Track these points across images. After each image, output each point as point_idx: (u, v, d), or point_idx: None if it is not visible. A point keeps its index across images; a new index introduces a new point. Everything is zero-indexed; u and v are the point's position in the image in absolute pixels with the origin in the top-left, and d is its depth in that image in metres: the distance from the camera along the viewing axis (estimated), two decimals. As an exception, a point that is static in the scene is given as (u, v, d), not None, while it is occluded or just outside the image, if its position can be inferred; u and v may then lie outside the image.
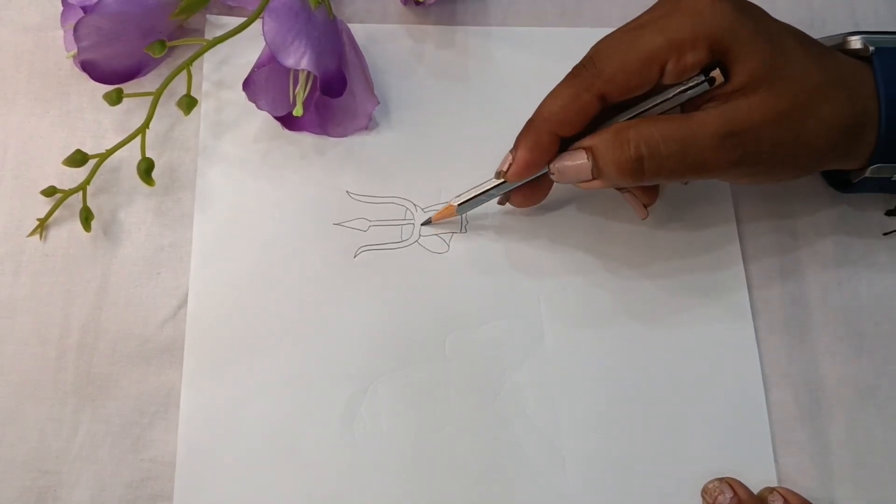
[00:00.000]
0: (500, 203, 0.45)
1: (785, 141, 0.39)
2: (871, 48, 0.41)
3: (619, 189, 0.44)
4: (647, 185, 0.41)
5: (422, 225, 0.46)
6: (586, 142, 0.40)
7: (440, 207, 0.46)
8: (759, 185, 0.47)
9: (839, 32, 0.44)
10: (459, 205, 0.44)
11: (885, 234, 0.47)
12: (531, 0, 0.51)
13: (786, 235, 0.47)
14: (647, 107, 0.40)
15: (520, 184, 0.43)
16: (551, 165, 0.41)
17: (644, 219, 0.44)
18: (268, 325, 0.43)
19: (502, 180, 0.42)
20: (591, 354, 0.44)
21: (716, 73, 0.39)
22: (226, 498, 0.41)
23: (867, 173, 0.42)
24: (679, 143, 0.38)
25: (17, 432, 0.41)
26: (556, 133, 0.40)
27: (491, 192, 0.43)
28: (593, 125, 0.41)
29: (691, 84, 0.39)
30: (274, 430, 0.42)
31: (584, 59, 0.41)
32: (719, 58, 0.39)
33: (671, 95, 0.40)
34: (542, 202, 0.45)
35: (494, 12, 0.51)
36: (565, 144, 0.41)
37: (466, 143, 0.48)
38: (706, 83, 0.39)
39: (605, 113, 0.41)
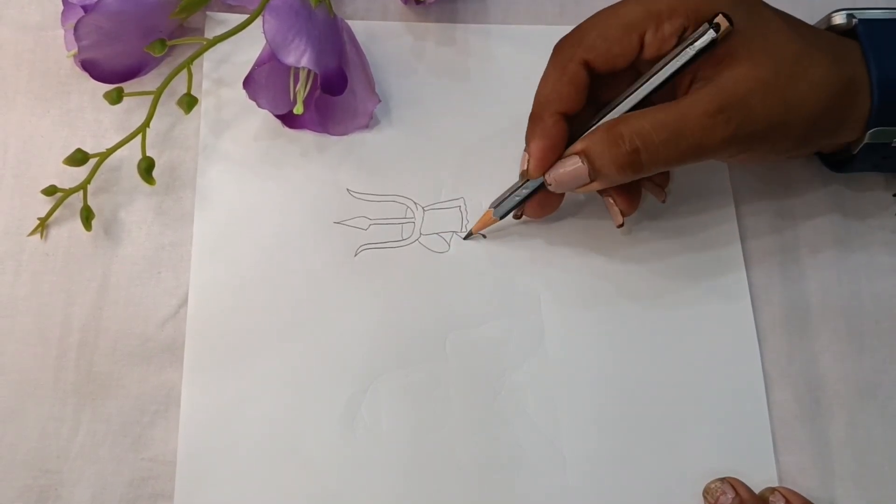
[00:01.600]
0: (515, 217, 0.45)
1: (775, 108, 0.39)
2: (855, 20, 0.42)
3: (600, 192, 0.43)
4: (645, 176, 0.41)
5: (463, 239, 0.45)
6: (578, 146, 0.40)
7: (440, 205, 0.46)
8: (761, 168, 0.47)
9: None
10: (496, 208, 0.44)
11: None
12: (531, -2, 0.51)
13: (787, 235, 0.47)
14: (657, 80, 0.40)
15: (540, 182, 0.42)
16: (547, 176, 0.41)
17: (619, 227, 0.43)
18: (268, 323, 0.43)
19: (526, 179, 0.42)
20: (591, 354, 0.44)
21: (720, 18, 0.38)
22: (226, 497, 0.41)
23: (867, 139, 0.42)
24: (670, 129, 0.38)
25: (18, 431, 0.41)
26: (558, 112, 0.40)
27: (520, 191, 0.43)
28: (591, 112, 0.41)
29: (697, 36, 0.39)
30: (274, 429, 0.42)
31: (567, 33, 0.41)
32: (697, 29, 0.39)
33: (679, 53, 0.39)
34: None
35: (494, 10, 0.51)
36: (573, 126, 0.41)
37: (467, 142, 0.48)
38: (712, 31, 0.38)
39: (601, 106, 0.41)
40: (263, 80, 0.44)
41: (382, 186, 0.46)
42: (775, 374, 0.44)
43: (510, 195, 0.43)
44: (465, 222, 0.46)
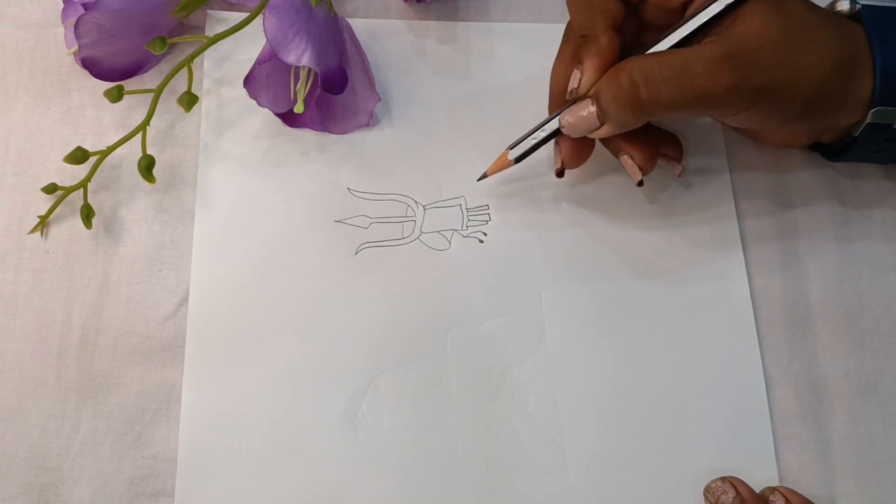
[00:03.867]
0: (558, 176, 0.44)
1: (783, 65, 0.39)
2: (858, 5, 0.43)
3: (615, 153, 0.44)
4: (653, 119, 0.41)
5: (477, 181, 0.45)
6: (591, 90, 0.41)
7: (441, 204, 0.46)
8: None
9: None
10: (515, 153, 0.44)
11: None
12: (532, -4, 0.51)
13: (788, 233, 0.47)
14: (688, 29, 0.40)
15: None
16: (560, 119, 0.41)
17: (639, 184, 0.43)
18: (269, 322, 0.43)
19: (556, 127, 0.42)
20: (592, 351, 0.44)
21: None
22: (227, 494, 0.41)
23: (869, 118, 0.42)
24: (674, 68, 0.39)
25: (19, 429, 0.41)
26: (611, 28, 0.41)
27: (537, 133, 0.43)
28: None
29: None
30: (275, 426, 0.42)
31: None
32: None
33: (713, 3, 0.40)
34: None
35: (496, 8, 0.51)
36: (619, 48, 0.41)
37: (468, 140, 0.48)
38: None
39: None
40: (264, 79, 0.44)
41: (383, 185, 0.46)
42: (776, 372, 0.44)
43: (527, 138, 0.43)
44: (465, 220, 0.46)
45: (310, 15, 0.43)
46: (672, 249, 0.46)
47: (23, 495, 0.40)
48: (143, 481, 0.41)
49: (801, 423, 0.44)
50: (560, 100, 0.43)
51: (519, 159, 0.44)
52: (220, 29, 0.44)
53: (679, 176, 0.45)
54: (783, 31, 0.39)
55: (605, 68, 0.41)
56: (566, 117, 0.41)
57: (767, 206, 0.47)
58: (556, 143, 0.44)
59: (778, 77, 0.39)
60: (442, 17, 0.50)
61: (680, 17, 0.41)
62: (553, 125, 0.42)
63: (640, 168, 0.43)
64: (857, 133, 0.43)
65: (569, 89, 0.42)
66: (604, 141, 0.44)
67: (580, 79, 0.41)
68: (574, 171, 0.46)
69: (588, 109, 0.41)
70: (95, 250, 0.44)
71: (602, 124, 0.41)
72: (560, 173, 0.44)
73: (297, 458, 0.41)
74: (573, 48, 0.43)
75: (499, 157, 0.44)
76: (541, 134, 0.43)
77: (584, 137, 0.43)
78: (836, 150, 0.46)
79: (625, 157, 0.43)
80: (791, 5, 0.40)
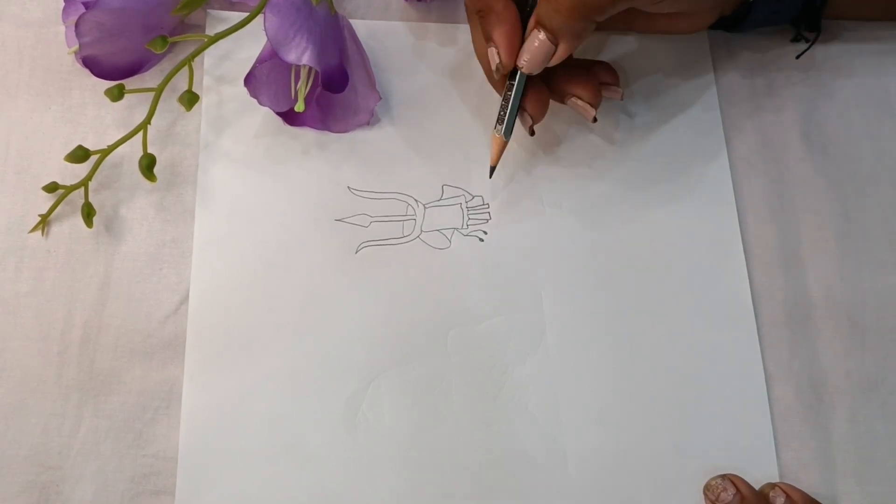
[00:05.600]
0: (531, 134, 0.45)
1: None
2: None
3: (562, 99, 0.44)
4: (600, 18, 0.41)
5: (490, 178, 0.45)
6: (531, 22, 0.41)
7: (441, 202, 0.46)
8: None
9: None
10: (502, 130, 0.44)
11: (798, 56, 0.49)
12: (533, -5, 0.51)
13: (789, 232, 0.47)
14: None
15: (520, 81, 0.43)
16: (518, 61, 0.42)
17: (592, 120, 0.44)
18: (269, 320, 0.43)
19: (517, 79, 0.42)
20: (592, 350, 0.44)
21: None
22: (228, 493, 0.41)
23: None
24: None
25: (20, 428, 0.41)
26: None
27: (509, 97, 0.43)
28: None
29: None
30: (276, 425, 0.42)
31: None
32: None
33: None
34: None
35: (496, 7, 0.51)
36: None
37: (468, 140, 0.48)
38: None
39: None
40: (264, 78, 0.44)
41: (383, 184, 0.46)
42: (776, 370, 0.44)
43: (504, 110, 0.43)
44: (466, 219, 0.46)
45: (310, 14, 0.43)
46: (672, 248, 0.46)
47: (24, 494, 0.40)
48: (144, 480, 0.41)
49: (801, 420, 0.44)
50: (495, 78, 0.44)
51: (508, 133, 0.44)
52: (221, 28, 0.44)
53: (621, 99, 0.46)
54: None
55: (514, 32, 0.41)
56: (522, 58, 0.42)
57: (768, 205, 0.47)
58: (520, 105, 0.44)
59: None
60: (442, 19, 0.50)
61: None
62: (518, 85, 0.43)
63: (591, 104, 0.44)
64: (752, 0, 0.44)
65: (493, 68, 0.42)
66: (551, 90, 0.44)
67: (497, 53, 0.42)
68: (574, 170, 0.46)
69: (538, 38, 0.41)
70: (96, 249, 0.44)
71: (557, 44, 0.41)
72: (532, 131, 0.45)
73: (297, 457, 0.41)
74: (478, 25, 0.43)
75: (493, 143, 0.44)
76: (514, 99, 0.43)
77: (540, 84, 0.43)
78: (735, 19, 0.47)
79: (573, 99, 0.44)
80: None
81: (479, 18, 0.42)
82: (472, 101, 0.48)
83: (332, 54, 0.44)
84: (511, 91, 0.43)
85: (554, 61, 0.42)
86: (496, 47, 0.42)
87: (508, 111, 0.43)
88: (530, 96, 0.44)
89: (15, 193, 0.45)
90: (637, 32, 0.50)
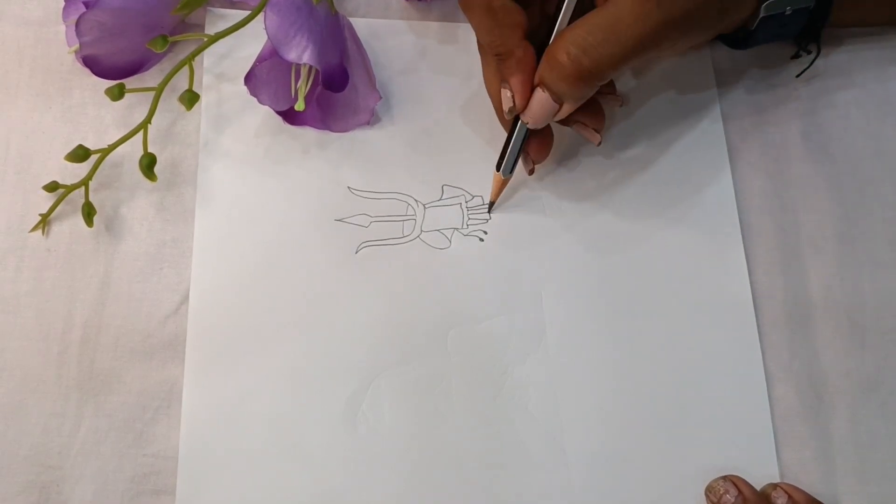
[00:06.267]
0: (529, 174, 0.45)
1: None
2: None
3: (566, 124, 0.44)
4: (603, 82, 0.41)
5: (489, 213, 0.46)
6: (536, 78, 0.41)
7: (441, 202, 0.46)
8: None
9: None
10: (504, 170, 0.44)
11: (798, 75, 0.49)
12: (533, -5, 0.51)
13: (789, 231, 0.47)
14: None
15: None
16: (523, 117, 0.42)
17: (598, 143, 0.44)
18: (270, 320, 0.43)
19: (521, 123, 0.43)
20: (592, 350, 0.44)
21: None
22: (228, 493, 0.41)
23: (762, 12, 0.43)
24: (605, 28, 0.39)
25: (21, 427, 0.41)
26: (522, 39, 0.41)
27: (514, 140, 0.43)
28: (546, 30, 0.41)
29: None
30: (276, 425, 0.42)
31: None
32: None
33: None
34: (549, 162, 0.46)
35: (496, 7, 0.51)
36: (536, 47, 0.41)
37: (468, 139, 0.48)
38: None
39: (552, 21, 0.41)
40: (265, 77, 0.44)
41: (383, 183, 0.46)
42: (777, 370, 0.44)
43: (507, 150, 0.44)
44: (466, 219, 0.46)
45: (311, 13, 0.43)
46: (672, 248, 0.46)
47: (24, 493, 0.40)
48: (145, 479, 0.41)
49: (801, 421, 0.44)
50: (505, 118, 0.44)
51: (508, 172, 0.45)
52: (221, 27, 0.44)
53: (621, 106, 0.46)
54: None
55: (530, 79, 0.41)
56: (527, 114, 0.42)
57: (768, 205, 0.47)
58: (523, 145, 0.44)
59: None
60: (443, 17, 0.50)
61: None
62: (520, 129, 0.43)
63: (596, 130, 0.44)
64: (754, 26, 0.44)
65: (505, 109, 0.42)
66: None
67: (511, 97, 0.42)
68: (574, 170, 0.46)
69: (541, 98, 0.41)
70: (96, 248, 0.44)
71: (560, 105, 0.41)
72: (532, 172, 0.45)
73: (297, 457, 0.41)
74: (493, 64, 0.43)
75: (493, 182, 0.45)
76: (516, 143, 0.44)
77: (545, 129, 0.44)
78: (736, 39, 0.47)
79: (578, 125, 0.44)
80: None
81: (498, 61, 0.42)
82: (473, 100, 0.48)
83: (332, 53, 0.44)
84: (515, 134, 0.43)
85: (557, 118, 0.42)
86: (511, 91, 0.42)
87: (510, 152, 0.44)
88: (533, 140, 0.44)
89: (15, 193, 0.45)
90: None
